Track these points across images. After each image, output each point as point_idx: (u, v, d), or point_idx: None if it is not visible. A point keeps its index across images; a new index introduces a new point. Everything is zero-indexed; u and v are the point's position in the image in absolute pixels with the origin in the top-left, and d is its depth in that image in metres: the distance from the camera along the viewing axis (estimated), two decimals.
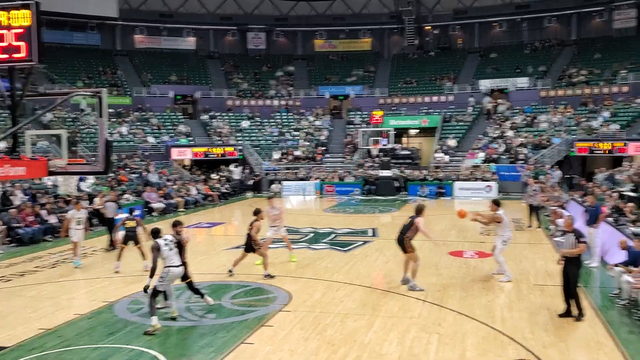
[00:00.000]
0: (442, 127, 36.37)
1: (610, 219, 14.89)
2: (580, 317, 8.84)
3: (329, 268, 12.67)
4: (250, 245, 11.80)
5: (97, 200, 19.71)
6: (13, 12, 5.97)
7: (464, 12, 44.70)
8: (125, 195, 22.41)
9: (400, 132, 37.88)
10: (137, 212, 21.28)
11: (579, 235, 9.04)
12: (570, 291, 8.99)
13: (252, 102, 41.59)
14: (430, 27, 46.74)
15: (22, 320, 9.19)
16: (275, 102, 41.81)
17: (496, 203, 11.69)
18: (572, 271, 8.92)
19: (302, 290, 10.68)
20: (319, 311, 9.41)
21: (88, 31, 43.74)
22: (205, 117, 39.36)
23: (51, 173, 6.97)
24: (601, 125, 31.19)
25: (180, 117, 39.38)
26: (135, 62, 43.72)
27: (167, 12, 45.38)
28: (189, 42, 46.79)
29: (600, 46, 39.73)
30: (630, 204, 16.56)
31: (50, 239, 17.09)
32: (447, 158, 32.84)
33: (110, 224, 15.49)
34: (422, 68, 43.99)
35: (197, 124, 38.88)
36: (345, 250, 14.75)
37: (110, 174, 23.71)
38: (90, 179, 22.45)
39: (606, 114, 32.25)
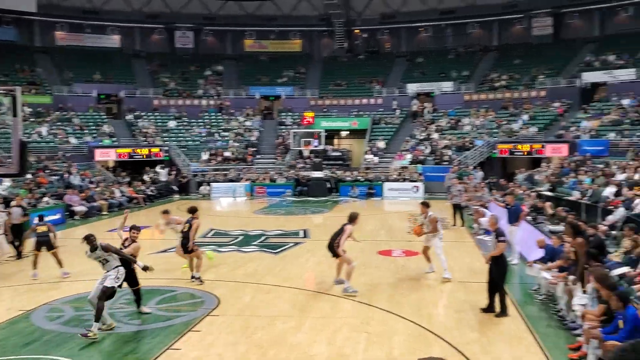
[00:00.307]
0: (372, 129, 37.01)
1: (529, 218, 15.61)
2: (502, 314, 9.15)
3: (259, 271, 12.57)
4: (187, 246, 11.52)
5: (13, 203, 18.68)
6: None
7: (392, 16, 45.70)
8: (45, 199, 21.39)
9: (332, 134, 38.29)
10: (57, 217, 20.53)
11: (499, 234, 9.41)
12: (493, 288, 9.32)
13: (180, 102, 40.73)
14: (359, 31, 47.46)
15: None
16: (204, 102, 41.15)
17: (426, 205, 11.93)
18: (497, 269, 9.26)
19: (231, 294, 10.52)
20: (248, 314, 9.31)
21: (4, 26, 41.40)
22: (130, 117, 38.14)
23: None
24: (521, 128, 32.71)
25: (104, 117, 37.96)
26: (55, 60, 41.79)
27: (91, 8, 43.71)
28: (114, 40, 45.25)
29: (520, 52, 41.71)
30: (548, 203, 17.46)
31: None
32: (376, 159, 33.46)
33: (17, 231, 14.44)
34: (351, 71, 44.60)
35: (122, 124, 37.62)
36: (276, 252, 14.69)
37: (28, 176, 22.57)
38: (7, 182, 21.26)
39: (525, 117, 33.84)
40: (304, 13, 46.61)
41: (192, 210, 11.78)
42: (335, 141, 39.68)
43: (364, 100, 40.47)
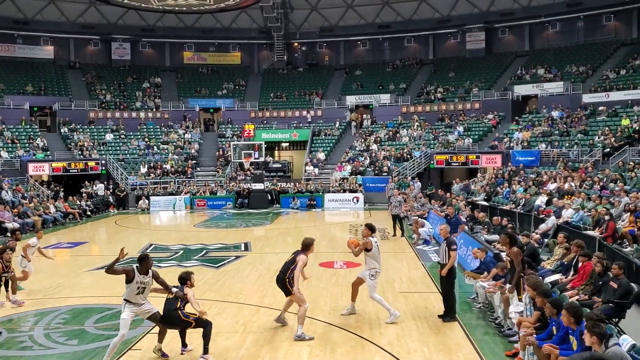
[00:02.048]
0: (312, 140, 37.35)
1: (466, 228, 16.15)
2: (447, 317, 9.58)
3: (200, 286, 12.41)
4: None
5: None
6: None
7: (330, 30, 46.40)
8: None
9: (272, 146, 38.40)
10: None
11: (450, 243, 9.71)
12: (446, 295, 9.73)
13: (117, 114, 39.80)
14: (298, 44, 47.93)
15: None
16: (142, 114, 40.37)
17: (371, 229, 9.88)
18: (447, 277, 9.58)
19: None
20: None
21: None
22: (65, 129, 36.93)
23: None
24: (457, 140, 33.80)
25: (37, 130, 36.61)
26: None
27: (22, 18, 42.12)
28: (47, 51, 43.82)
29: (454, 66, 43.19)
30: (482, 214, 18.12)
31: None
32: (317, 171, 33.74)
33: None
34: (291, 83, 44.95)
35: (56, 137, 36.43)
36: (217, 267, 14.58)
37: None
38: None
39: (461, 128, 35.02)
40: (243, 26, 46.64)
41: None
42: (276, 153, 39.83)
43: (304, 112, 40.82)
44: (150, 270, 7.93)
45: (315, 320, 9.73)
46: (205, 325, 7.98)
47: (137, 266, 7.86)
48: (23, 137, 34.82)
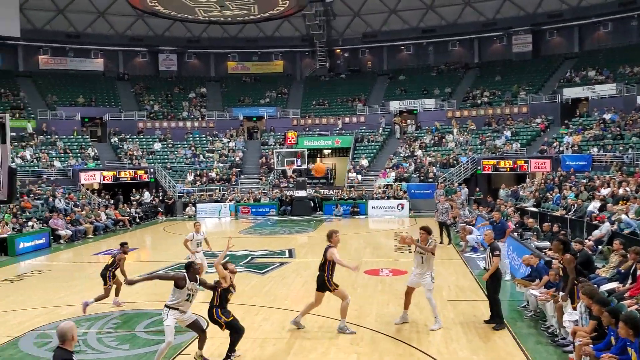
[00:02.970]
0: (355, 147, 37.25)
1: (515, 234, 15.75)
2: (496, 324, 9.39)
3: (246, 291, 12.52)
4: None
5: None
6: None
7: (373, 35, 46.28)
8: (30, 223, 21.20)
9: (314, 153, 38.48)
10: (42, 241, 20.34)
11: (494, 249, 9.56)
12: (492, 301, 9.57)
13: (164, 124, 40.73)
14: (340, 50, 48.00)
15: None
16: (188, 124, 41.20)
17: (428, 231, 9.67)
18: (492, 282, 9.50)
19: None
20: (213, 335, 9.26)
21: None
22: (115, 139, 38.02)
23: None
24: (504, 145, 33.10)
25: (88, 140, 37.82)
26: (39, 84, 41.67)
27: (74, 32, 43.67)
28: (97, 64, 45.27)
29: (500, 69, 42.40)
30: (531, 220, 17.65)
31: None
32: (360, 177, 33.60)
33: None
34: (333, 90, 45.02)
35: (107, 146, 37.53)
36: (262, 273, 14.67)
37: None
38: None
39: (508, 133, 34.28)
40: (286, 34, 47.05)
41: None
42: (319, 160, 39.85)
43: (347, 119, 40.79)
44: (198, 277, 8.01)
45: (362, 327, 9.64)
46: (236, 331, 7.97)
47: (186, 273, 7.92)
48: (75, 147, 36.00)
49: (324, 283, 9.25)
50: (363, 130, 39.36)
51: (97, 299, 11.20)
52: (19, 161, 31.52)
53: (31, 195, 25.68)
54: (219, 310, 7.99)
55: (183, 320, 7.93)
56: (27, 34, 40.80)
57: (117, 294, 11.57)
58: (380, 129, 38.95)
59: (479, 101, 39.51)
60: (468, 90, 41.30)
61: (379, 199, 30.35)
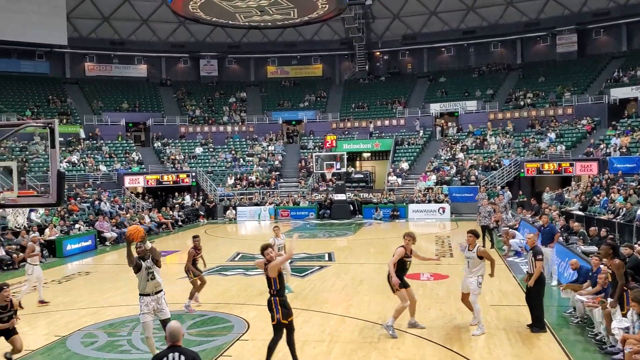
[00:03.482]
0: (395, 150, 37.00)
1: (560, 239, 15.33)
2: (536, 328, 9.22)
3: (286, 294, 12.55)
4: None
5: (47, 231, 19.28)
6: None
7: (413, 37, 45.91)
8: (77, 225, 21.82)
9: (354, 156, 38.39)
10: (89, 243, 20.91)
11: (536, 253, 9.36)
12: (533, 304, 9.40)
13: (205, 129, 41.35)
14: (380, 53, 47.81)
15: None
16: (229, 128, 41.73)
17: (475, 234, 9.75)
18: (535, 288, 9.31)
19: (259, 318, 10.52)
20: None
21: (36, 59, 42.71)
22: (158, 144, 38.83)
23: (1, 206, 6.75)
24: (548, 147, 32.32)
25: (132, 144, 38.74)
26: (85, 90, 42.88)
27: (118, 40, 44.81)
28: (141, 70, 46.30)
29: (544, 70, 41.45)
30: (577, 224, 17.16)
31: None
32: (400, 181, 33.34)
33: None
34: (373, 93, 44.85)
35: (150, 151, 38.32)
36: (302, 276, 14.69)
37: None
38: (41, 210, 21.76)
39: (552, 135, 33.46)
40: (325, 38, 47.15)
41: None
42: (358, 163, 39.74)
43: (386, 122, 40.56)
44: (148, 255, 8.12)
45: (403, 332, 9.54)
46: (275, 334, 7.79)
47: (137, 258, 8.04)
48: (120, 151, 36.91)
49: (389, 281, 9.45)
50: (403, 133, 39.06)
51: (191, 296, 11.40)
52: (66, 165, 32.50)
53: (78, 198, 26.44)
54: (277, 300, 7.72)
55: (159, 312, 8.00)
56: (73, 42, 42.15)
57: (190, 297, 11.58)
58: (421, 131, 38.58)
59: (521, 103, 38.71)
60: (510, 91, 40.51)
61: (419, 203, 30.04)
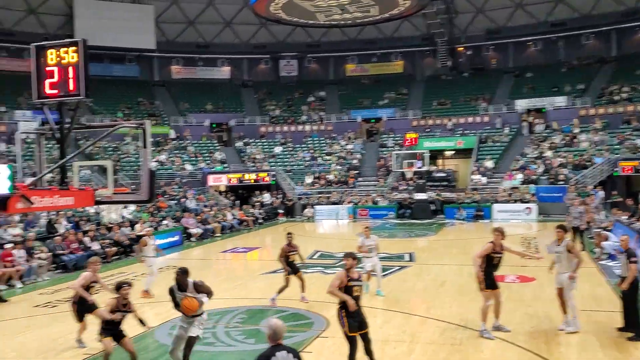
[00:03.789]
0: (479, 148, 35.90)
1: None
2: (634, 337, 8.63)
3: (365, 293, 12.44)
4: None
5: (137, 226, 20.21)
6: (63, 49, 6.27)
7: (498, 32, 44.36)
8: (165, 222, 22.75)
9: (435, 154, 37.57)
10: (176, 238, 21.73)
11: (631, 255, 8.81)
12: (628, 309, 8.88)
13: (285, 128, 41.97)
14: (463, 48, 46.56)
15: (68, 346, 9.30)
16: (307, 127, 42.10)
17: (564, 229, 9.56)
18: (629, 292, 8.82)
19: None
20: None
21: (127, 63, 45.06)
22: (239, 144, 39.85)
23: (97, 203, 7.12)
24: None
25: (215, 144, 39.98)
26: (172, 92, 44.74)
27: (203, 43, 46.35)
28: (224, 72, 47.67)
29: None
30: None
31: None
32: (484, 180, 32.31)
33: None
34: (455, 89, 43.77)
35: (232, 150, 39.38)
36: (382, 276, 14.48)
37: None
38: (132, 206, 22.86)
39: None
40: (406, 34, 46.50)
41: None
42: (440, 162, 38.88)
43: (470, 119, 39.45)
44: (187, 285, 7.71)
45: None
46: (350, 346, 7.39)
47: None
48: (204, 151, 38.20)
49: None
50: (487, 130, 37.84)
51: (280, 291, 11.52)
52: (155, 164, 34.02)
53: (166, 195, 27.58)
54: (343, 312, 7.33)
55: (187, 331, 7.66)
56: (161, 45, 44.14)
57: (303, 289, 11.72)
58: (506, 128, 37.20)
59: (616, 97, 36.45)
60: (604, 86, 38.25)
61: (504, 202, 28.96)
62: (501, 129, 37.34)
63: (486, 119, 38.98)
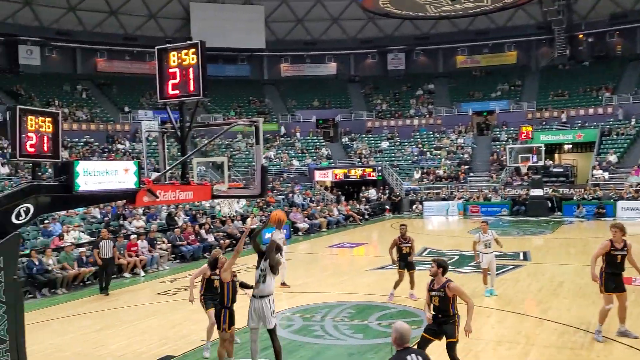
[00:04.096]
0: (601, 141, 33.51)
1: None
2: None
3: (477, 292, 12.05)
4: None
5: (248, 220, 21.00)
6: (183, 52, 6.63)
7: (624, 16, 40.99)
8: None
9: (552, 148, 35.59)
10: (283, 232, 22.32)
11: None
12: None
13: (392, 123, 41.62)
14: (583, 35, 43.59)
15: (186, 332, 9.82)
16: (415, 122, 41.45)
17: None
18: None
19: None
20: (469, 337, 8.94)
21: (239, 63, 46.87)
22: (345, 139, 40.11)
23: (214, 197, 7.51)
24: None
25: (322, 140, 40.55)
26: (281, 90, 45.94)
27: (310, 40, 47.10)
28: (330, 68, 48.16)
29: None
30: None
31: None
32: (606, 175, 30.15)
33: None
34: (574, 79, 41.12)
35: (338, 146, 39.73)
36: (495, 275, 13.96)
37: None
38: (242, 201, 23.79)
39: None
40: (520, 23, 44.35)
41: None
42: (557, 156, 36.78)
43: (590, 110, 36.92)
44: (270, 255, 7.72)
45: (613, 341, 8.56)
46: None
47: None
48: (311, 147, 38.88)
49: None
50: (610, 122, 35.22)
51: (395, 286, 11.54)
52: (264, 161, 35.18)
53: (274, 191, 28.40)
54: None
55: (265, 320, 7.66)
56: (270, 45, 45.41)
57: (412, 286, 11.61)
58: (633, 120, 34.39)
59: None
60: None
61: (630, 200, 26.84)
62: (626, 121, 34.57)
63: (609, 110, 36.29)
